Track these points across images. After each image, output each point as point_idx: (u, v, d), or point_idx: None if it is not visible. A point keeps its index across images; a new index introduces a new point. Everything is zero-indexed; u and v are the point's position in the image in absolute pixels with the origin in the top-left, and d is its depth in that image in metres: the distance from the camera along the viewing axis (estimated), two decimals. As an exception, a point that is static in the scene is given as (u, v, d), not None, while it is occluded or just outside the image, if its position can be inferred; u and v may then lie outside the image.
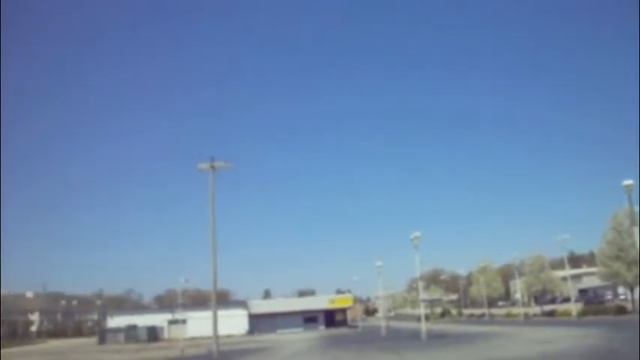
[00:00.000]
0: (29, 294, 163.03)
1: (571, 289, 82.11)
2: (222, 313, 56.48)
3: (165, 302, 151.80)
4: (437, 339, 45.11)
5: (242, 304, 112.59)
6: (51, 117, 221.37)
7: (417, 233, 48.88)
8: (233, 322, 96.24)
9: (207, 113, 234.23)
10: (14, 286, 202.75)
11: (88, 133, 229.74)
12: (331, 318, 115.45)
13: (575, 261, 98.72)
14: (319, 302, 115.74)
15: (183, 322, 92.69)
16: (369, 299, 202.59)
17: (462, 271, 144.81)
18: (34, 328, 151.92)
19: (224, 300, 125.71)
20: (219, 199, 52.19)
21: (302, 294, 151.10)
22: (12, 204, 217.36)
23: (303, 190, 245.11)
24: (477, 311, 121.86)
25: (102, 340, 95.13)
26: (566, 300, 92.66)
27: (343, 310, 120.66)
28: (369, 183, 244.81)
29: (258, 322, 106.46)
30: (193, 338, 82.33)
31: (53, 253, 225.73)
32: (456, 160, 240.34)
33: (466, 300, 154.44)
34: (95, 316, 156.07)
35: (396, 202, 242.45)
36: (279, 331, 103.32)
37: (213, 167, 50.91)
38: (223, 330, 59.09)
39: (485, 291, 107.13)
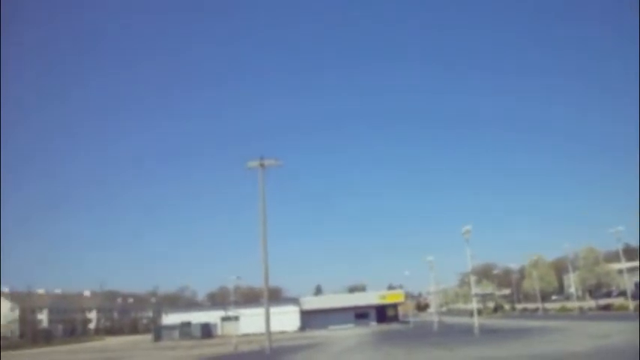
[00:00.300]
0: (87, 293, 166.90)
1: (627, 283, 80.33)
2: (274, 310, 56.87)
3: (217, 299, 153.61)
4: (490, 334, 44.74)
5: (294, 300, 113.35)
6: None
7: (468, 227, 48.48)
8: (285, 319, 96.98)
9: (257, 110, 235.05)
10: (72, 285, 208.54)
11: (141, 130, 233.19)
12: (382, 314, 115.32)
13: (630, 253, 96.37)
14: (370, 298, 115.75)
15: (236, 319, 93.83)
16: (420, 294, 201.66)
17: (514, 265, 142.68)
18: (91, 326, 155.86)
19: (276, 297, 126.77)
20: (270, 196, 52.49)
21: (353, 290, 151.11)
22: (67, 206, 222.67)
23: (353, 187, 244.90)
24: (531, 306, 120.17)
25: (157, 337, 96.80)
26: (622, 294, 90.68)
27: (394, 306, 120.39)
28: (419, 179, 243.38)
29: (310, 319, 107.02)
30: (246, 335, 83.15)
31: (109, 253, 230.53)
32: (506, 155, 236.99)
33: (519, 294, 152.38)
34: (150, 314, 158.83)
35: (447, 196, 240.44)
36: (330, 327, 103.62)
37: (262, 165, 51.33)
38: (276, 326, 59.53)
39: (538, 285, 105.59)
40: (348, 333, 78.79)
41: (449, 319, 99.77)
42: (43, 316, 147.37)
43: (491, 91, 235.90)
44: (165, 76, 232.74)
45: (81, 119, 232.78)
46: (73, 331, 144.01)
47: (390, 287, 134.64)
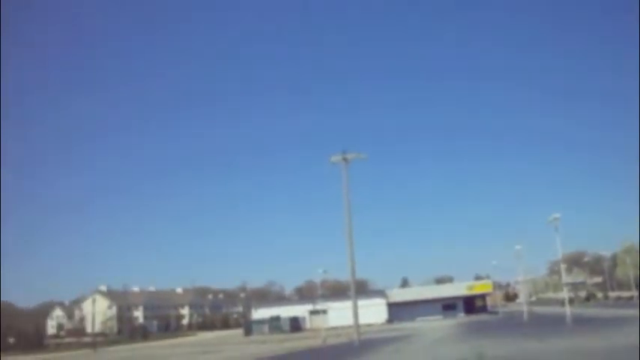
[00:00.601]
0: (179, 290, 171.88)
1: None
2: (361, 303, 57.24)
3: (305, 293, 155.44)
4: (583, 324, 43.81)
5: (380, 293, 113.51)
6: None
7: (557, 215, 47.61)
8: (372, 311, 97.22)
9: (344, 106, 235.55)
10: (165, 283, 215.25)
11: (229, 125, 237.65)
12: (470, 304, 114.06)
13: None
14: (457, 289, 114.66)
15: (324, 312, 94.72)
16: (508, 284, 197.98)
17: (606, 253, 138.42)
18: (184, 322, 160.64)
19: (363, 289, 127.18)
20: (355, 190, 52.98)
21: (439, 281, 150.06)
22: (158, 206, 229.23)
23: (437, 176, 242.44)
24: (625, 294, 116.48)
25: (248, 332, 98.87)
26: None
27: (482, 297, 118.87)
28: (506, 166, 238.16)
29: (397, 311, 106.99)
30: (334, 328, 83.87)
31: (199, 250, 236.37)
32: (590, 141, 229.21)
33: (612, 282, 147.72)
34: (240, 309, 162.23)
35: (534, 183, 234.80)
36: (418, 318, 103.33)
37: (345, 159, 51.73)
38: (363, 319, 59.82)
39: (632, 272, 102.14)
40: (436, 324, 78.45)
41: (539, 309, 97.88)
42: (138, 313, 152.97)
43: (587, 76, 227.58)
44: (250, 73, 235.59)
45: (171, 116, 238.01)
46: (168, 326, 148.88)
47: (477, 277, 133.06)
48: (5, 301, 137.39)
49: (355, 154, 52.67)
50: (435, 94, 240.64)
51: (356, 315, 49.99)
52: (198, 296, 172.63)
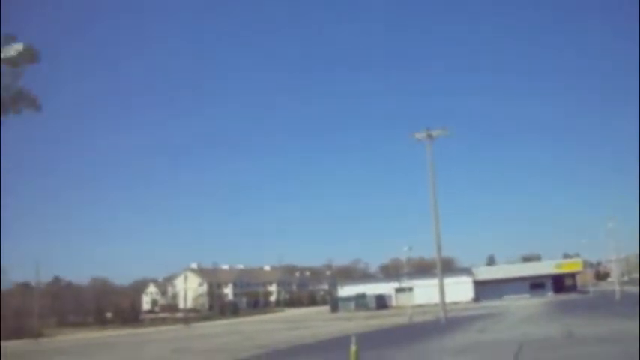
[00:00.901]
0: (267, 267, 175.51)
1: None
2: (447, 281, 57.43)
3: (390, 271, 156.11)
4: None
5: (466, 271, 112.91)
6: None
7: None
8: (458, 289, 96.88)
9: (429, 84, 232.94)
10: (253, 261, 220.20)
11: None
12: (559, 283, 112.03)
13: None
14: (546, 267, 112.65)
15: (410, 289, 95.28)
16: (599, 263, 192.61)
17: None
18: (272, 298, 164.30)
19: (448, 267, 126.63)
20: (440, 167, 53.08)
21: (527, 259, 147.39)
22: (246, 185, 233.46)
23: (522, 151, 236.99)
24: None
25: (334, 308, 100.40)
26: None
27: (572, 275, 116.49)
28: (596, 138, 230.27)
29: (484, 289, 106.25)
30: (420, 305, 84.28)
31: (286, 228, 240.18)
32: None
33: None
34: (326, 286, 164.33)
35: (624, 159, 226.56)
36: (505, 297, 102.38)
37: (430, 136, 51.88)
38: (449, 297, 59.98)
39: None
40: (524, 303, 77.71)
41: (632, 289, 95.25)
42: (228, 290, 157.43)
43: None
44: (335, 52, 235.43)
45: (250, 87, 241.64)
46: (256, 303, 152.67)
47: (566, 256, 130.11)
48: (103, 279, 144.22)
49: (439, 131, 52.73)
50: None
51: (442, 293, 50.35)
52: (286, 274, 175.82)
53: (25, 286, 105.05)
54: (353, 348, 18.78)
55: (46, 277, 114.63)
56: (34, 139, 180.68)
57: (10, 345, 45.06)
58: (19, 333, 72.93)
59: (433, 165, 51.92)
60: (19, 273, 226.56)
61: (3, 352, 32.63)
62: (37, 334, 71.62)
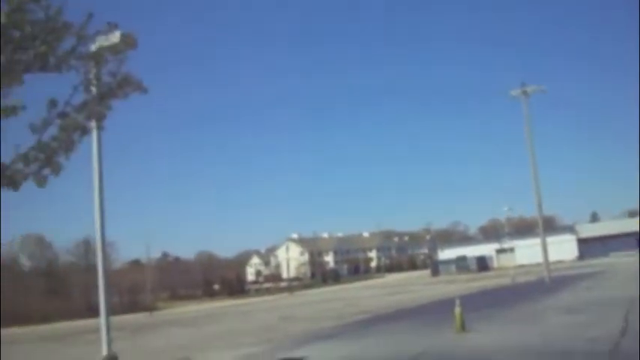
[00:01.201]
0: (365, 234, 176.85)
1: None
2: (550, 240, 56.59)
3: (489, 232, 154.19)
4: None
5: (569, 228, 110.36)
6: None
7: None
8: (561, 248, 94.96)
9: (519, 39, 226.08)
10: (352, 228, 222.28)
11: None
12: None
13: None
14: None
15: (511, 250, 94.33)
16: None
17: None
18: (373, 264, 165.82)
19: (550, 226, 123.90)
20: (538, 122, 52.17)
21: (633, 214, 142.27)
22: (342, 153, 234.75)
23: (627, 101, 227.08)
24: None
25: (435, 272, 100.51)
26: None
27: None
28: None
29: (588, 247, 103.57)
30: (522, 266, 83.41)
31: (384, 194, 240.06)
32: None
33: None
34: (426, 250, 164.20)
35: None
36: (611, 254, 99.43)
37: (525, 93, 50.99)
38: (553, 256, 58.93)
39: None
40: (631, 260, 75.40)
41: None
42: (329, 258, 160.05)
43: None
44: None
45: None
46: (357, 269, 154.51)
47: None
48: (208, 253, 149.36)
49: (535, 87, 51.74)
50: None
51: (545, 252, 49.80)
52: (385, 239, 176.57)
53: (136, 263, 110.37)
54: (457, 310, 19.26)
55: (154, 254, 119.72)
56: (138, 120, 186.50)
57: (127, 319, 48.00)
58: (133, 307, 77.15)
59: (530, 122, 51.10)
60: (129, 251, 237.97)
61: (121, 326, 34.89)
62: (151, 308, 75.48)
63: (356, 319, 30.68)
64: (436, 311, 28.62)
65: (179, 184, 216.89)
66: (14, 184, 5.40)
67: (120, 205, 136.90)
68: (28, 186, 5.68)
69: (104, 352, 16.31)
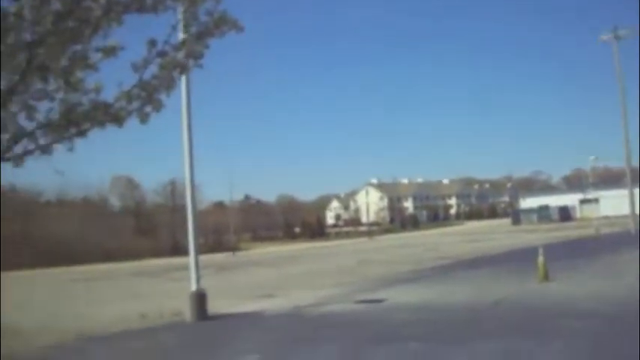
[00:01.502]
0: (445, 181, 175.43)
1: None
2: (637, 191, 54.72)
3: (572, 182, 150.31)
4: None
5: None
6: None
7: None
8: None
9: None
10: (432, 174, 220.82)
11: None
12: None
13: None
14: None
15: (595, 201, 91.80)
16: None
17: None
18: (452, 212, 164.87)
19: (638, 177, 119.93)
20: (629, 70, 49.99)
21: None
22: (420, 99, 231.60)
23: None
24: None
25: (515, 221, 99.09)
26: None
27: None
28: None
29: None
30: (606, 217, 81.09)
31: (465, 140, 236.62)
32: None
33: None
34: (506, 198, 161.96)
35: None
36: None
37: (617, 37, 48.83)
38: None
39: None
40: None
41: None
42: (408, 204, 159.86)
43: None
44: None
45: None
46: (436, 216, 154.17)
47: None
48: (289, 196, 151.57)
49: (628, 30, 49.38)
50: None
51: (632, 203, 48.32)
52: (465, 186, 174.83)
53: (220, 205, 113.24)
54: (541, 259, 19.07)
55: (237, 197, 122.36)
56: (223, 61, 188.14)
57: (212, 258, 49.62)
58: (217, 247, 79.52)
59: (620, 67, 49.05)
60: (213, 193, 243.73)
61: (206, 264, 36.18)
62: (234, 248, 77.60)
63: (435, 264, 30.78)
64: (518, 260, 28.38)
65: (262, 127, 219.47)
66: (118, 121, 5.69)
67: (204, 147, 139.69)
68: (117, 129, 5.97)
69: (193, 288, 17.04)
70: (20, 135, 5.60)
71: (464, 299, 17.21)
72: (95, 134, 5.86)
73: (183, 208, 20.23)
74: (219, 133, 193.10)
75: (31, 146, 5.63)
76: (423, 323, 13.85)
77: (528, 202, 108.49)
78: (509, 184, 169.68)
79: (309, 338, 13.34)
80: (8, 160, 5.56)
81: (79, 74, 5.58)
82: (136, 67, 5.64)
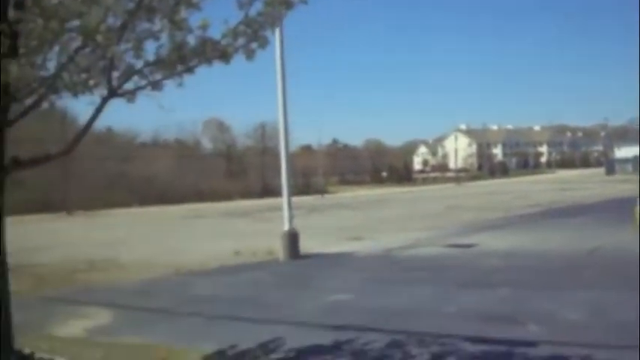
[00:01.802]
0: (536, 127, 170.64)
1: None
2: None
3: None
4: None
5: None
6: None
7: None
8: None
9: None
10: (523, 121, 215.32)
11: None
12: None
13: None
14: None
15: None
16: None
17: None
18: (542, 159, 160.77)
19: None
20: None
21: None
22: (517, 44, 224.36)
23: None
24: None
25: (609, 171, 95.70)
26: None
27: None
28: None
29: None
30: None
31: (557, 86, 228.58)
32: None
33: None
34: (600, 147, 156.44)
35: None
36: None
37: None
38: None
39: None
40: None
41: None
42: (497, 151, 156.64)
43: None
44: None
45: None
46: (526, 163, 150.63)
47: None
48: (376, 140, 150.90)
49: None
50: None
51: None
52: (556, 134, 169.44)
53: (308, 149, 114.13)
54: (637, 209, 18.48)
55: (325, 140, 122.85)
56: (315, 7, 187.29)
57: (301, 200, 50.26)
58: (306, 190, 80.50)
59: None
60: (302, 137, 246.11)
61: (297, 206, 36.81)
62: (322, 191, 78.35)
63: (526, 212, 30.32)
64: (611, 209, 27.61)
65: (350, 71, 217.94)
66: (226, 57, 5.82)
67: (293, 91, 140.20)
68: (209, 72, 6.11)
69: (285, 227, 17.46)
70: (130, 72, 5.82)
71: (555, 247, 16.99)
72: (189, 79, 6.03)
73: (273, 150, 20.63)
74: (309, 76, 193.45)
75: (142, 83, 5.85)
76: (514, 269, 13.79)
77: (623, 152, 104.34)
78: (603, 133, 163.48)
79: (399, 280, 13.51)
80: (121, 95, 5.80)
81: (184, 13, 5.71)
82: (241, 4, 5.71)
